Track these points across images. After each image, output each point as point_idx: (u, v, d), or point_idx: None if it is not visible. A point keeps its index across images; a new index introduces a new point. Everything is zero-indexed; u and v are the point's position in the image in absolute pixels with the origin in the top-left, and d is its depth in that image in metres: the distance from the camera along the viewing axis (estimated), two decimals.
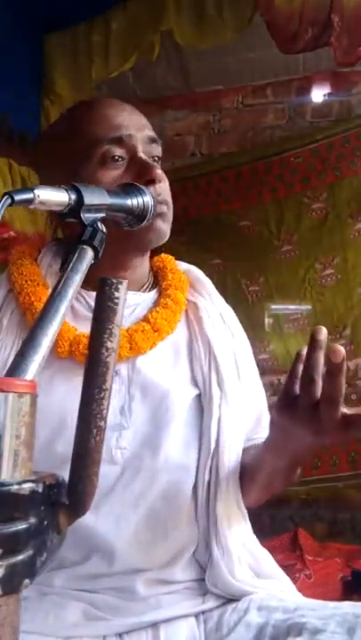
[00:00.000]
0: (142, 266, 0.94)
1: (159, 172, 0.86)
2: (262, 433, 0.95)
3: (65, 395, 0.78)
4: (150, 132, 0.89)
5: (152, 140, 0.88)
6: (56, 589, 0.79)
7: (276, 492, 0.88)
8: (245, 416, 0.92)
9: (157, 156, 0.89)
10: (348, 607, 0.72)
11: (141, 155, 0.85)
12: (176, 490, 0.84)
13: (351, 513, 2.60)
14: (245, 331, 1.03)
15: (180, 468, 0.85)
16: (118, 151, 0.84)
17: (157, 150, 0.89)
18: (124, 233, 0.79)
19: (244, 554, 0.84)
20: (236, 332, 0.98)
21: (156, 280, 0.97)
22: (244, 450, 0.90)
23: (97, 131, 0.85)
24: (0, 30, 2.11)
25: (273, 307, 2.77)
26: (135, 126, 0.86)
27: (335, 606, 0.73)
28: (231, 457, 0.86)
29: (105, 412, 0.47)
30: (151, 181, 0.84)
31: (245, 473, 0.87)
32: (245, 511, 0.87)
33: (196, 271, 1.00)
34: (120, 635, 0.76)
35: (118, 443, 0.82)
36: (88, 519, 0.78)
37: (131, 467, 0.82)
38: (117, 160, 0.84)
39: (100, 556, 0.79)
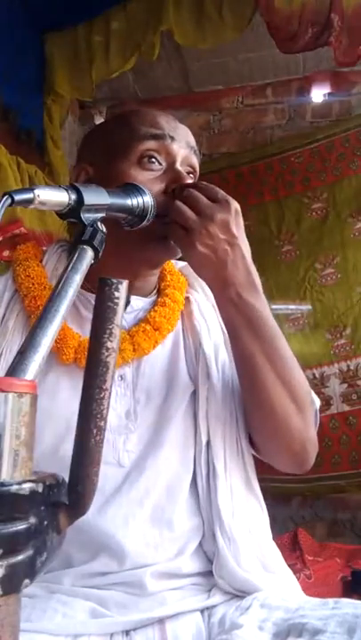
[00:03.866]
0: (153, 274, 0.94)
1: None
2: None
3: (70, 399, 0.79)
4: (192, 142, 0.90)
5: (193, 149, 0.90)
6: (64, 588, 0.79)
7: (273, 405, 0.81)
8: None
9: (194, 167, 0.91)
10: (349, 606, 0.71)
11: (178, 166, 0.86)
12: (177, 484, 0.85)
13: (351, 513, 2.60)
14: None
15: (179, 463, 0.85)
16: (157, 154, 0.85)
17: (195, 160, 0.91)
18: (139, 247, 0.81)
19: (250, 543, 0.83)
20: None
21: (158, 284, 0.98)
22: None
23: (140, 126, 0.86)
24: (1, 30, 2.12)
25: (273, 306, 2.76)
26: (178, 132, 0.88)
27: (336, 605, 0.73)
28: (226, 447, 0.85)
29: (105, 412, 0.47)
30: None
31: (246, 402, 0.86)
32: (253, 500, 0.86)
33: (190, 267, 1.01)
34: (127, 632, 0.77)
35: (125, 446, 0.83)
36: (96, 519, 0.79)
37: (136, 468, 0.83)
38: (154, 162, 0.85)
39: (108, 554, 0.80)
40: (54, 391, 0.81)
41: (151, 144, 0.85)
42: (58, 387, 0.82)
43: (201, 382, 0.87)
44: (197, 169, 0.92)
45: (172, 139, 0.86)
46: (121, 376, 0.85)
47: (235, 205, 0.81)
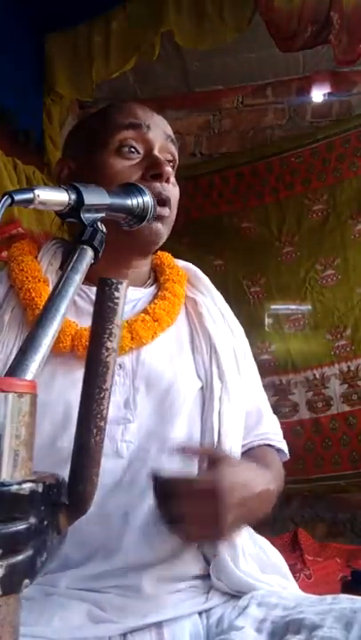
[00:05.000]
0: (144, 264, 0.96)
1: (168, 169, 0.88)
2: (263, 429, 0.98)
3: (67, 389, 0.78)
4: (169, 131, 0.93)
5: (169, 138, 0.93)
6: (61, 590, 0.78)
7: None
8: (245, 411, 0.93)
9: (173, 155, 0.93)
10: (346, 602, 0.72)
11: (156, 153, 0.89)
12: None
13: (351, 513, 2.60)
14: (247, 331, 1.04)
15: (184, 460, 0.85)
16: (135, 142, 0.88)
17: (173, 148, 0.93)
18: (125, 233, 0.80)
19: (248, 545, 0.84)
20: (235, 330, 1.00)
21: (156, 276, 0.98)
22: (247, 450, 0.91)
23: (118, 117, 0.90)
24: (1, 30, 2.11)
25: (274, 307, 2.77)
26: (155, 121, 0.91)
27: (333, 601, 0.73)
28: (233, 450, 0.86)
29: (105, 411, 0.47)
30: (158, 176, 0.86)
31: None
32: None
33: (193, 268, 1.02)
34: (124, 635, 0.76)
35: (124, 436, 0.82)
36: (95, 515, 0.78)
37: (137, 460, 0.82)
38: (132, 152, 0.88)
39: (104, 553, 0.79)
40: (51, 382, 0.81)
41: (129, 133, 0.88)
42: (54, 377, 0.81)
43: (215, 383, 0.88)
44: (176, 157, 0.95)
45: (149, 127, 0.89)
46: (120, 365, 0.85)
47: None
